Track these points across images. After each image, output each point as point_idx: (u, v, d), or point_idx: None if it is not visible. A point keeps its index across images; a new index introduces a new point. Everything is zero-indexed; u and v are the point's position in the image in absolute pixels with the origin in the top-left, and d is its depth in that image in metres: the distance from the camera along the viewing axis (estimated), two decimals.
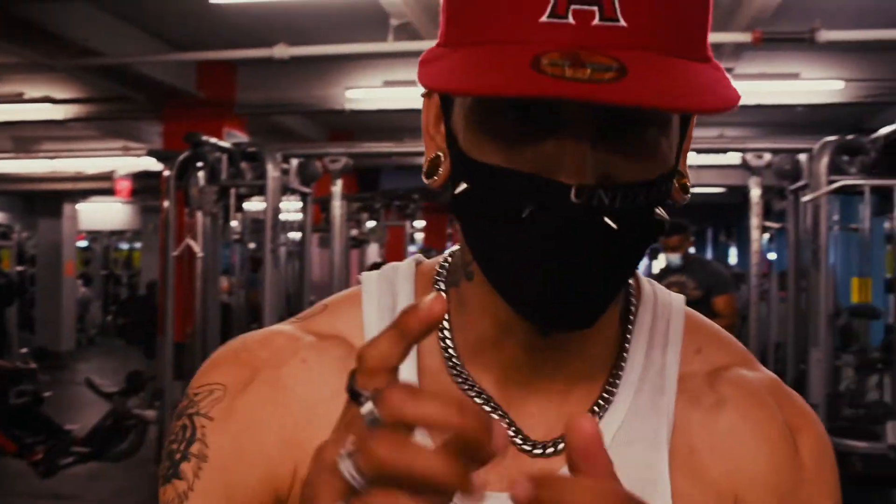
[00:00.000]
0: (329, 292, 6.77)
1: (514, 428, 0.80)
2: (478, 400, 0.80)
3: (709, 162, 12.71)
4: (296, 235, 7.97)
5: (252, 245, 8.94)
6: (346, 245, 9.61)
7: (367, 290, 0.88)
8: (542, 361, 0.81)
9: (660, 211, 0.73)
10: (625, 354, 0.83)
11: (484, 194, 0.71)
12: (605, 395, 0.82)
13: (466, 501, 0.52)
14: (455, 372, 0.82)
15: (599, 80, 0.61)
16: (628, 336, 0.84)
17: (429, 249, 15.50)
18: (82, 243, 19.91)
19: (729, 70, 7.45)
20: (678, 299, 0.89)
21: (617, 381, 0.82)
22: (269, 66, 7.49)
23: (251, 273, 8.66)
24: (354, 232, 10.61)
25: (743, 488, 0.82)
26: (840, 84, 7.76)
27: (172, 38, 7.65)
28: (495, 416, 0.79)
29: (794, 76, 7.54)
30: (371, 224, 11.55)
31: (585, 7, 0.65)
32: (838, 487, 0.86)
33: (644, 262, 6.64)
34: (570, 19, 0.65)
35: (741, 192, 7.68)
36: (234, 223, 6.91)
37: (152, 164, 12.72)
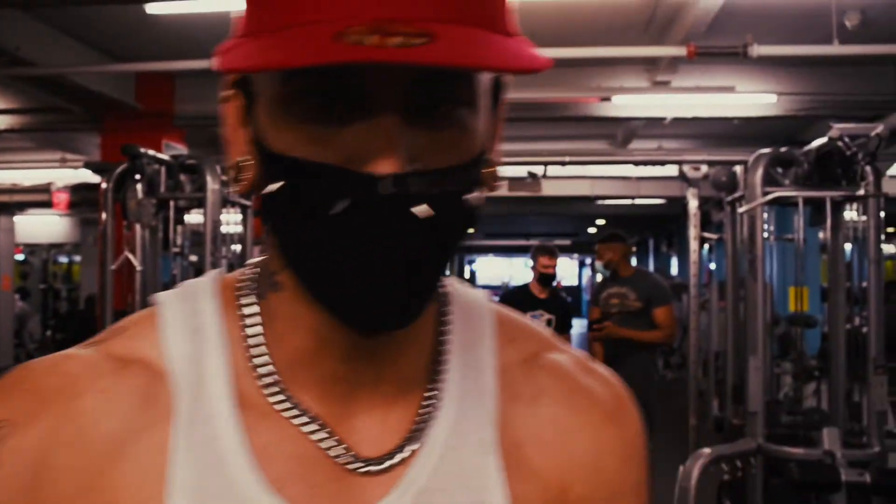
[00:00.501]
0: None
1: (343, 447, 0.76)
2: (301, 421, 0.75)
3: (648, 174, 12.88)
4: (237, 247, 7.92)
5: (194, 258, 8.88)
6: None
7: (166, 311, 0.80)
8: (361, 373, 0.77)
9: (474, 197, 0.71)
10: (443, 357, 0.81)
11: (292, 192, 0.67)
12: (428, 403, 0.79)
13: None
14: (272, 393, 0.76)
15: (408, 45, 0.59)
16: (444, 339, 0.82)
17: None
18: (19, 257, 19.59)
19: (665, 83, 7.58)
20: (483, 294, 0.88)
21: (439, 386, 0.80)
22: (208, 77, 7.41)
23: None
24: None
25: (572, 477, 0.81)
26: (773, 98, 7.91)
27: (110, 49, 7.58)
28: (319, 435, 0.75)
29: (730, 89, 7.66)
30: None
31: None
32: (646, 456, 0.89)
33: (587, 274, 6.69)
34: None
35: (680, 204, 7.80)
36: (174, 236, 6.85)
37: (91, 177, 12.59)
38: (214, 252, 6.09)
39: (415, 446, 0.76)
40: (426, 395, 0.79)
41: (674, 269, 21.15)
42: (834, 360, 5.72)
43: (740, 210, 6.12)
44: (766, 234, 5.97)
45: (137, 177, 6.01)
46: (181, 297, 0.81)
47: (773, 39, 6.41)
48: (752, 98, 7.91)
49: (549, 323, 6.68)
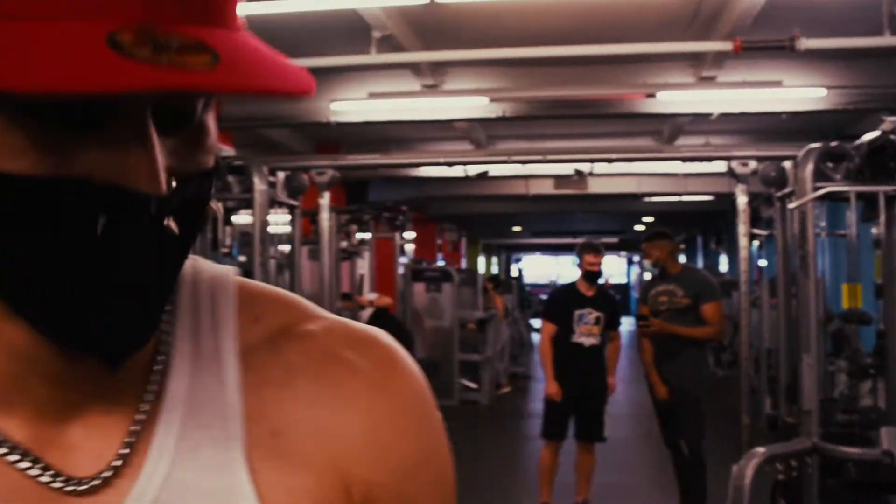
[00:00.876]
0: (320, 304, 6.82)
1: (43, 466, 0.64)
2: (1, 449, 0.64)
3: (695, 170, 12.76)
4: (285, 248, 7.97)
5: (242, 258, 8.94)
6: (336, 257, 9.61)
7: None
8: (76, 391, 0.66)
9: (208, 203, 0.64)
10: (164, 353, 0.69)
11: (21, 212, 0.56)
12: (148, 406, 0.68)
13: None
14: None
15: (195, 66, 0.51)
16: (165, 331, 0.70)
17: (420, 261, 15.50)
18: None
19: (711, 79, 7.50)
20: (227, 270, 0.76)
21: (162, 386, 0.69)
22: None
23: None
24: (344, 244, 10.61)
25: (348, 461, 0.71)
26: (822, 91, 7.79)
27: None
28: (27, 461, 0.64)
29: (777, 84, 7.56)
30: (360, 236, 11.56)
31: None
32: (439, 418, 0.78)
33: (635, 272, 6.63)
34: None
35: (729, 200, 7.71)
36: (222, 236, 6.90)
37: None
38: (263, 252, 6.13)
39: (143, 451, 0.66)
40: (148, 391, 0.68)
41: (723, 266, 20.97)
42: (890, 357, 5.62)
43: (790, 206, 6.03)
44: (817, 230, 5.89)
45: None
46: None
47: (821, 32, 6.32)
48: (801, 92, 7.79)
49: (597, 321, 6.64)
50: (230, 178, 6.25)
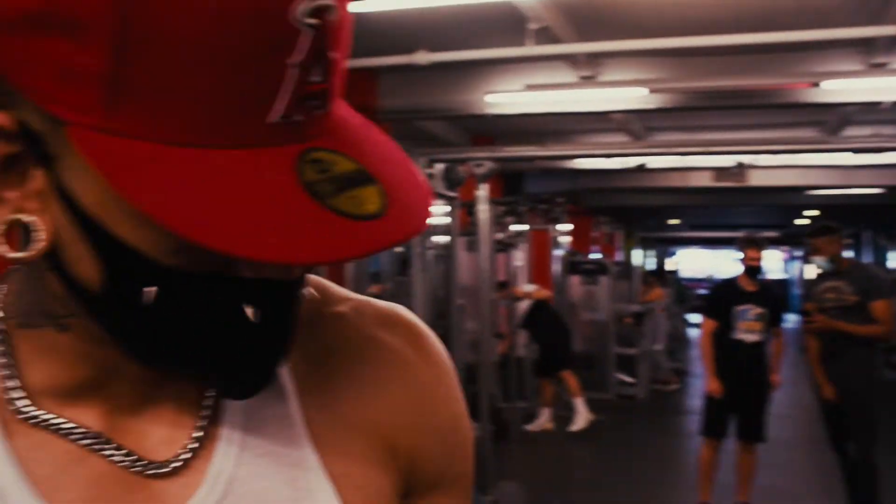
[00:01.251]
0: (476, 295, 6.81)
1: (126, 453, 0.70)
2: (78, 436, 0.69)
3: (862, 161, 12.26)
4: (442, 239, 8.05)
5: (400, 249, 9.08)
6: (493, 249, 9.65)
7: None
8: (149, 391, 0.72)
9: None
10: None
11: (177, 301, 0.61)
12: (211, 394, 0.74)
13: None
14: (40, 420, 0.69)
15: (372, 213, 0.58)
16: None
17: (575, 253, 15.41)
18: None
19: (882, 65, 7.17)
20: None
21: None
22: (411, 72, 7.57)
23: (400, 277, 8.79)
24: (500, 235, 10.64)
25: (393, 429, 0.79)
26: None
27: None
28: (109, 449, 0.70)
29: None
30: (516, 228, 11.57)
31: (311, 102, 0.59)
32: (458, 383, 0.87)
33: (797, 266, 6.42)
34: (297, 117, 0.59)
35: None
36: None
37: None
38: (422, 243, 6.20)
39: (214, 436, 0.73)
40: (208, 390, 0.74)
41: (893, 263, 20.08)
42: None
43: None
44: None
45: None
46: None
47: None
48: None
49: (759, 317, 6.46)
50: None
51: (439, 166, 6.77)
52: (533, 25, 6.45)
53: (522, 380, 10.82)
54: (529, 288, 10.70)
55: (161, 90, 0.54)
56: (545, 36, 6.68)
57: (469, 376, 7.47)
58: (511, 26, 6.70)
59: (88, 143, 0.55)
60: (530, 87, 7.82)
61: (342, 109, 0.65)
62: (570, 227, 15.19)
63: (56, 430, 0.69)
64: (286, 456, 0.74)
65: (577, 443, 9.88)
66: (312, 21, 0.56)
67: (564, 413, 10.34)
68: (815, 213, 20.24)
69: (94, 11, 0.53)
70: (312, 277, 0.83)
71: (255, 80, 0.56)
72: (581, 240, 18.89)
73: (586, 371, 11.23)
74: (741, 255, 6.57)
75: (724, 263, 31.89)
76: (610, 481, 8.30)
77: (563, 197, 13.55)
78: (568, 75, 7.99)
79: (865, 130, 10.73)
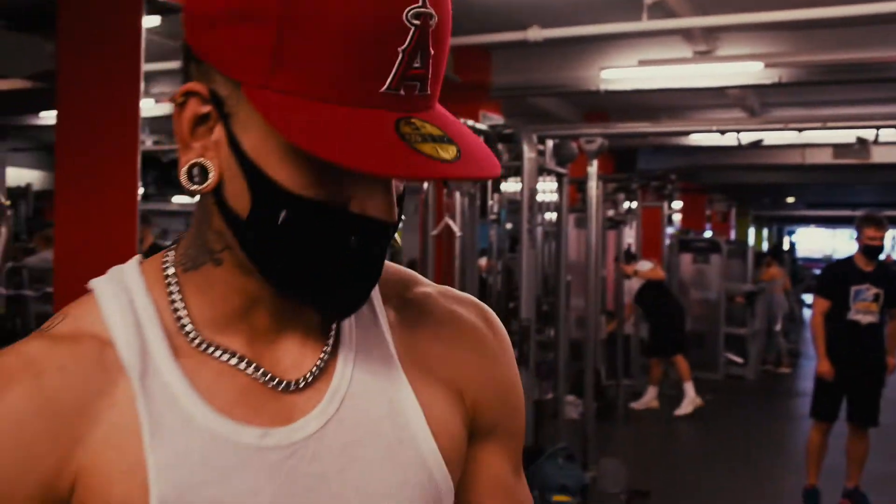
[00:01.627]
0: (584, 273, 6.78)
1: (264, 372, 0.92)
2: (233, 361, 0.91)
3: None
4: (552, 216, 8.05)
5: (509, 225, 9.11)
6: (602, 226, 9.60)
7: (100, 292, 0.93)
8: (284, 322, 0.94)
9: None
10: None
11: (303, 225, 0.83)
12: (334, 332, 0.97)
13: None
14: (201, 344, 0.92)
15: (448, 159, 0.79)
16: None
17: (686, 231, 15.22)
18: None
19: None
20: None
21: (339, 322, 0.98)
22: (523, 48, 7.58)
23: (509, 252, 8.83)
24: (611, 213, 10.57)
25: (463, 383, 1.01)
26: None
27: None
28: (252, 368, 0.92)
29: None
30: (627, 205, 11.48)
31: (412, 83, 0.80)
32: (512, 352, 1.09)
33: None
34: (402, 91, 0.80)
35: None
36: (491, 203, 7.06)
37: None
38: (531, 220, 6.22)
39: (332, 365, 0.95)
40: (331, 326, 0.97)
41: None
42: None
43: None
44: None
45: None
46: (110, 280, 0.94)
47: None
48: None
49: (875, 297, 6.31)
50: (500, 146, 6.37)
51: (550, 143, 6.77)
52: (648, 0, 6.38)
53: (629, 358, 10.78)
54: (645, 266, 10.60)
55: (309, 60, 0.78)
56: (661, 10, 6.61)
57: (575, 353, 7.50)
58: (626, 1, 6.65)
59: (256, 96, 0.79)
60: (644, 63, 7.76)
61: (442, 108, 0.85)
62: (681, 204, 14.97)
63: (212, 353, 0.91)
64: (387, 383, 0.96)
65: (682, 422, 9.81)
66: (417, 22, 0.79)
67: (671, 392, 10.27)
68: None
69: (269, 3, 0.77)
70: (407, 270, 1.08)
71: (376, 58, 0.78)
72: (694, 218, 18.62)
73: (695, 350, 11.11)
74: (859, 234, 6.41)
75: (842, 243, 31.04)
76: (714, 462, 8.24)
77: (676, 174, 13.36)
78: (683, 50, 7.89)
79: None
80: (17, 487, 0.84)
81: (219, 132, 0.85)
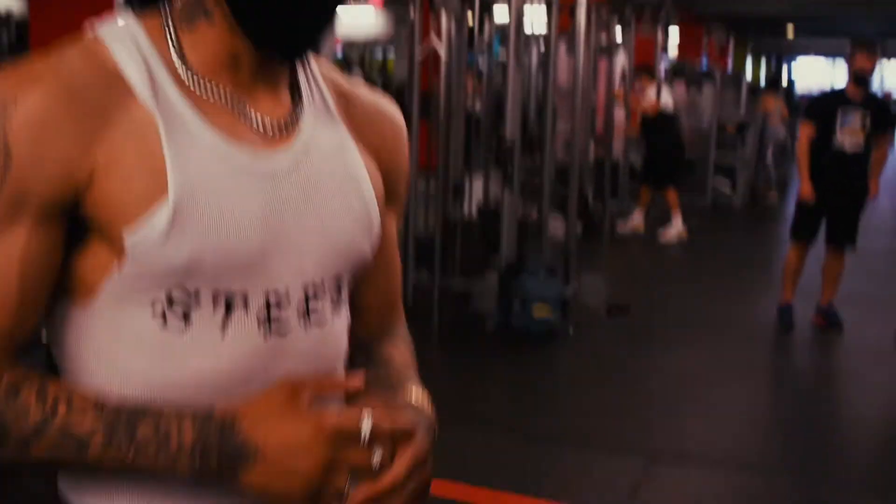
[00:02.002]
0: (572, 99, 6.80)
1: (254, 114, 1.11)
2: (224, 100, 1.09)
3: None
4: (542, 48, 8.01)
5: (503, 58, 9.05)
6: (594, 53, 9.55)
7: (105, 32, 1.07)
8: (261, 78, 1.12)
9: None
10: (296, 73, 1.19)
11: None
12: (296, 95, 1.17)
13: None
14: (197, 80, 1.08)
15: None
16: (295, 65, 1.19)
17: (682, 63, 15.12)
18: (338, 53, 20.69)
19: None
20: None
21: (298, 88, 1.18)
22: None
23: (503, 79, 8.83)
24: (603, 40, 10.51)
25: (381, 155, 1.25)
26: None
27: None
28: (240, 109, 1.10)
29: None
30: (620, 32, 11.38)
31: None
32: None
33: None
34: None
35: None
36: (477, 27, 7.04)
37: None
38: (517, 43, 6.23)
39: (298, 118, 1.15)
40: (294, 91, 1.17)
41: None
42: None
43: None
44: None
45: None
46: (112, 25, 1.08)
47: None
48: None
49: (862, 124, 6.31)
50: None
51: None
52: None
53: (617, 183, 10.91)
54: (650, 96, 10.58)
55: None
56: None
57: (561, 178, 7.62)
58: None
59: None
60: None
61: None
62: (678, 33, 14.82)
63: (208, 92, 1.09)
64: (339, 138, 1.19)
65: (667, 245, 10.05)
66: None
67: (658, 216, 10.44)
68: None
69: None
70: (349, 81, 1.28)
71: None
72: (690, 48, 18.44)
73: (685, 177, 11.25)
74: (850, 60, 6.40)
75: (841, 75, 30.79)
76: (694, 281, 8.53)
77: (672, 1, 13.19)
78: None
79: None
80: (40, 169, 0.98)
81: None
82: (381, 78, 21.97)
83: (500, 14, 8.10)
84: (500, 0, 7.03)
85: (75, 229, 1.04)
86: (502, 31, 8.31)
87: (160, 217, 1.01)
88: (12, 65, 1.02)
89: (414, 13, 6.29)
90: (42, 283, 1.03)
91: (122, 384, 1.07)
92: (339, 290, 1.19)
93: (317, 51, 1.13)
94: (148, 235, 1.01)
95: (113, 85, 1.02)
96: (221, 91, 1.09)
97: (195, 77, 1.08)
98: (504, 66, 7.00)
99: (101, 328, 1.08)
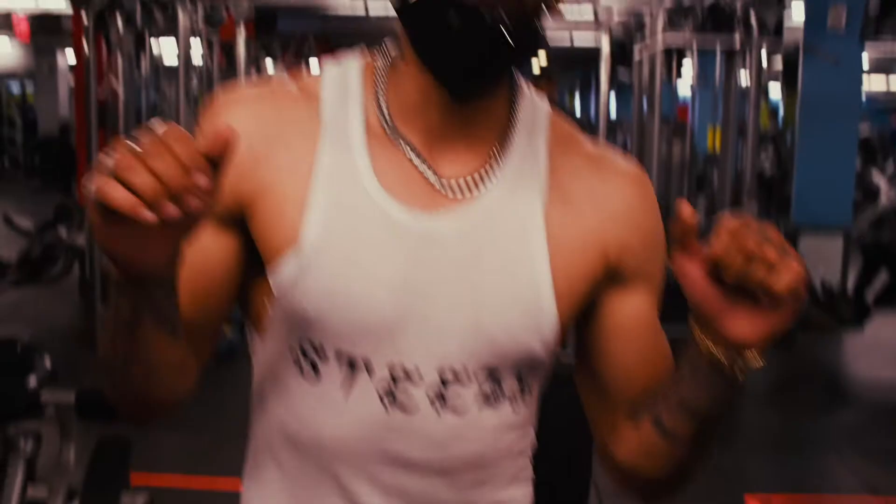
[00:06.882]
0: None
1: (433, 171, 1.05)
2: (407, 149, 1.05)
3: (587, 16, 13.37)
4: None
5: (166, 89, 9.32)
6: None
7: (325, 73, 1.11)
8: (454, 125, 1.05)
9: (539, 24, 1.01)
10: (512, 129, 1.09)
11: (424, 8, 0.99)
12: (498, 152, 1.07)
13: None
14: (389, 128, 1.06)
15: None
16: (514, 118, 1.10)
17: None
18: None
19: None
20: (544, 101, 1.16)
21: (507, 146, 1.08)
22: None
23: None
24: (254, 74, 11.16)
25: (608, 225, 1.09)
26: None
27: None
28: (419, 161, 1.06)
29: None
30: (270, 65, 12.05)
31: None
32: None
33: None
34: None
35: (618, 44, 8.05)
36: (147, 65, 7.40)
37: (50, 5, 12.80)
38: (187, 82, 6.71)
39: (486, 180, 1.07)
40: (498, 149, 1.08)
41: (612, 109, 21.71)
42: (720, 189, 6.65)
43: (636, 57, 6.92)
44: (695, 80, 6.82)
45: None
46: (336, 65, 1.12)
47: None
48: None
49: None
50: (156, 13, 6.80)
51: (201, 7, 7.24)
52: None
53: None
54: None
55: None
56: None
57: None
58: None
59: None
60: None
61: None
62: (318, 63, 15.73)
63: (396, 141, 1.06)
64: (525, 208, 1.07)
65: None
66: None
67: None
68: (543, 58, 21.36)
69: None
70: (568, 125, 1.16)
71: None
72: None
73: None
74: None
75: None
76: None
77: (314, 36, 14.02)
78: None
79: None
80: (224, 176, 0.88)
81: None
82: (20, 113, 20.69)
83: (168, 53, 8.43)
84: (164, 35, 7.43)
85: (255, 255, 1.06)
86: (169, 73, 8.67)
87: (291, 264, 1.01)
88: (240, 82, 1.14)
89: (89, 50, 6.62)
90: (220, 285, 1.06)
91: (266, 426, 1.11)
92: (494, 382, 1.06)
93: (484, 90, 1.05)
94: (284, 279, 1.02)
95: (307, 119, 1.06)
96: (409, 139, 1.06)
97: (388, 122, 1.06)
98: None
99: (263, 363, 1.11)
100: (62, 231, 7.13)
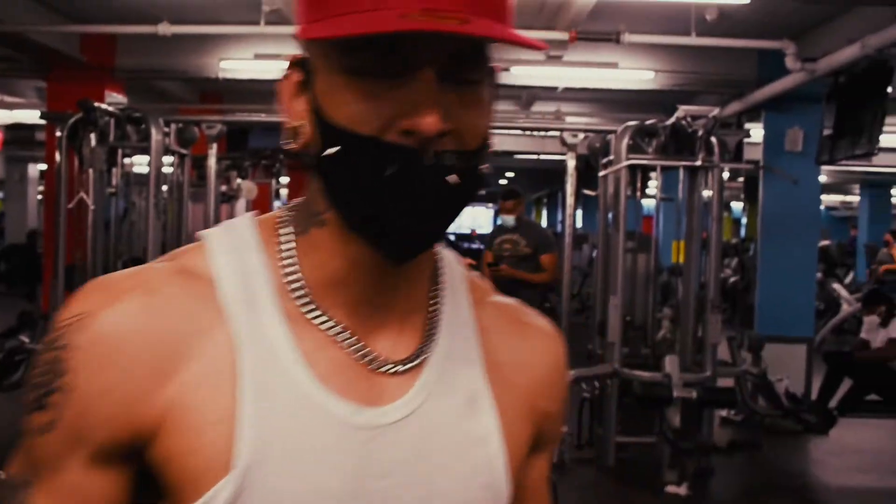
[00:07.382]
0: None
1: (362, 348, 0.93)
2: (335, 332, 0.92)
3: (551, 134, 13.81)
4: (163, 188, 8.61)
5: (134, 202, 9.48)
6: (217, 200, 10.29)
7: (213, 240, 0.94)
8: (382, 297, 0.93)
9: (484, 167, 0.88)
10: (438, 292, 1.00)
11: (346, 157, 0.83)
12: (430, 324, 0.97)
13: None
14: (309, 309, 0.91)
15: (454, 20, 0.78)
16: (438, 283, 1.01)
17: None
18: None
19: (558, 57, 8.54)
20: (456, 258, 1.06)
21: (436, 313, 0.99)
22: (147, 35, 8.11)
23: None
24: (224, 188, 11.32)
25: (537, 393, 1.04)
26: (651, 74, 8.95)
27: (56, 4, 8.11)
28: (351, 342, 0.92)
29: (613, 65, 8.66)
30: (240, 181, 12.26)
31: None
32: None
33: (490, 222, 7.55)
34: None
35: (583, 160, 8.39)
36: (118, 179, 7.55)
37: (24, 118, 13.05)
38: (157, 194, 6.85)
39: (424, 356, 0.95)
40: (428, 318, 0.98)
41: (578, 222, 22.20)
42: (684, 300, 6.80)
43: (601, 173, 7.16)
44: (660, 195, 6.99)
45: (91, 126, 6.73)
46: (225, 230, 0.95)
47: (644, 27, 7.42)
48: (633, 74, 8.94)
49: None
50: (129, 128, 6.96)
51: (174, 126, 7.43)
52: (266, 7, 7.22)
53: None
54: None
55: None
56: (276, 16, 7.47)
57: None
58: (247, 2, 7.46)
59: (302, 31, 0.86)
60: (260, 57, 8.62)
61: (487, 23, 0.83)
62: (288, 180, 15.97)
63: (316, 319, 0.92)
64: (470, 384, 0.98)
65: None
66: None
67: None
68: (511, 175, 21.86)
69: None
70: (479, 279, 1.09)
71: None
72: (299, 191, 19.37)
73: None
74: None
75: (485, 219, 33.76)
76: None
77: (284, 153, 14.28)
78: (294, 48, 8.76)
79: (551, 106, 12.22)
80: (104, 403, 0.85)
81: (306, 96, 0.89)
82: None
83: (139, 162, 8.58)
84: (138, 154, 7.58)
85: (150, 482, 0.90)
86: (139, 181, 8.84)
87: (225, 490, 0.86)
88: (106, 276, 0.92)
89: (62, 166, 6.76)
90: None
91: None
92: None
93: (426, 248, 0.92)
94: None
95: (203, 307, 0.90)
96: (332, 316, 0.92)
97: (306, 296, 0.92)
98: (125, 209, 7.55)
99: None
100: (25, 338, 7.10)
